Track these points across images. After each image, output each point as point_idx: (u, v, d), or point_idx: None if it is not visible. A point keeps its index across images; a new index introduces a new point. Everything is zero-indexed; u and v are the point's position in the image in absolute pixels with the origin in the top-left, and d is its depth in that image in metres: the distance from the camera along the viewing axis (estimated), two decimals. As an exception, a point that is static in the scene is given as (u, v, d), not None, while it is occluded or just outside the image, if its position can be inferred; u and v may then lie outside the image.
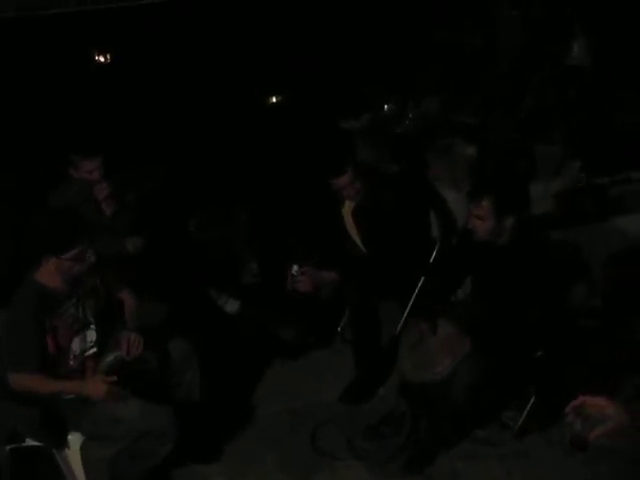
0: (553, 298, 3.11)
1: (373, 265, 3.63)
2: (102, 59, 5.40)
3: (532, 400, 3.31)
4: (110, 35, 5.05)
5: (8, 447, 2.90)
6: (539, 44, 5.06)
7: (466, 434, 3.36)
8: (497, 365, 3.01)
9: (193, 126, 5.07)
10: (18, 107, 4.67)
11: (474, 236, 3.12)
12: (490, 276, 3.22)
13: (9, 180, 4.39)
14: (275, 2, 5.14)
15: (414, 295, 3.76)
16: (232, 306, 4.15)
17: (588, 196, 4.56)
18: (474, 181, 4.01)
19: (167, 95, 5.08)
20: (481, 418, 3.39)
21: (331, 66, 5.32)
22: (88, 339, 2.94)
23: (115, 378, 2.81)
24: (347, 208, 3.78)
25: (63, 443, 2.89)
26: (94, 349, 2.96)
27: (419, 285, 3.76)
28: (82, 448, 2.91)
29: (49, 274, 2.79)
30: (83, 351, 2.92)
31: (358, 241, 3.82)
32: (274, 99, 5.61)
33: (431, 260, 3.86)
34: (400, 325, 3.76)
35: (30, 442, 2.89)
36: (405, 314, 3.77)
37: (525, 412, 3.34)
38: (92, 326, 2.94)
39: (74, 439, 2.89)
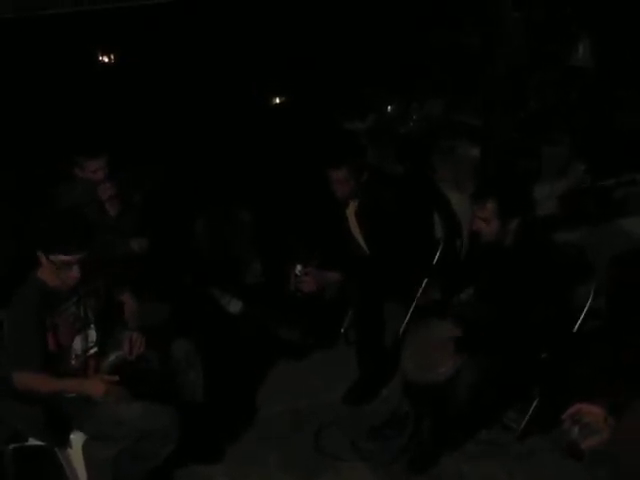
0: (557, 299, 3.11)
1: (377, 266, 3.62)
2: (101, 59, 5.42)
3: (535, 402, 3.29)
4: (108, 35, 5.06)
5: (11, 446, 2.90)
6: (541, 45, 5.06)
7: (469, 435, 3.35)
8: (500, 366, 3.00)
9: (197, 127, 5.07)
10: (18, 107, 4.67)
11: (478, 238, 3.12)
12: (494, 277, 3.21)
13: (9, 180, 4.39)
14: (278, 3, 5.15)
15: (417, 296, 3.75)
16: (235, 306, 4.15)
17: (593, 197, 4.55)
18: (478, 183, 4.00)
19: (168, 95, 5.08)
20: (484, 419, 3.37)
21: (334, 67, 5.32)
22: (89, 338, 2.94)
23: (117, 378, 2.81)
24: (351, 209, 3.78)
25: (65, 443, 2.89)
26: (95, 348, 2.96)
27: (423, 286, 3.75)
28: (84, 448, 2.91)
29: (49, 272, 2.79)
30: (85, 350, 2.93)
31: (362, 242, 3.82)
32: (278, 100, 5.62)
33: (434, 261, 3.85)
34: (403, 326, 3.76)
35: (33, 441, 2.89)
36: (408, 315, 3.77)
37: (528, 414, 3.32)
38: (93, 325, 2.94)
39: (76, 439, 2.89)
